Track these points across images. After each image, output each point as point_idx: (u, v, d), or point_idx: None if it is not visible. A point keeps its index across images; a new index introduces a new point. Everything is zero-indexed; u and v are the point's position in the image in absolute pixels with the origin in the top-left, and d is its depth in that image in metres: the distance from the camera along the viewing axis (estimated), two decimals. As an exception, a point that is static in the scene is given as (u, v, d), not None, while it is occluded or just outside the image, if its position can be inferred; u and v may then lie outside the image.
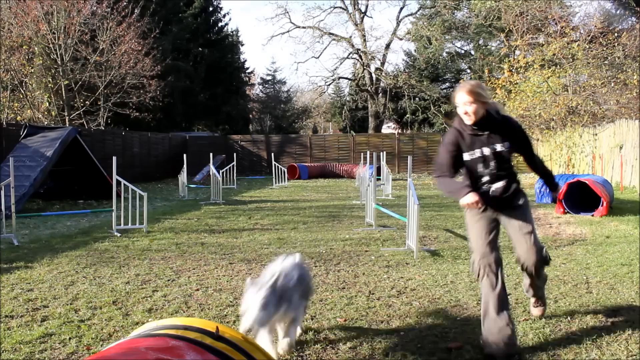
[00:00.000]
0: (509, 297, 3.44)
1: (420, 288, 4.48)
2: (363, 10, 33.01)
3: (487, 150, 3.26)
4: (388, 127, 42.09)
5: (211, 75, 31.23)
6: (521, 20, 21.49)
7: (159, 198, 13.74)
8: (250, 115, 40.39)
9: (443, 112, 31.84)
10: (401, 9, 35.53)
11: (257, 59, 77.26)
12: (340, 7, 33.11)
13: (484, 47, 31.14)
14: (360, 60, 33.01)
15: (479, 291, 4.35)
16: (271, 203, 12.05)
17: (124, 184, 7.76)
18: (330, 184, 19.01)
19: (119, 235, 7.37)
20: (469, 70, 33.53)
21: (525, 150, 3.43)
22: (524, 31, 21.43)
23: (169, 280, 4.82)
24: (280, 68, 71.15)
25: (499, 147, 3.25)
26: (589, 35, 19.58)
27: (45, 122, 17.86)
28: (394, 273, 5.03)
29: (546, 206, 10.59)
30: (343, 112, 37.30)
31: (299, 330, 3.24)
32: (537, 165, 3.54)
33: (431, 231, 7.61)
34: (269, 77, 47.52)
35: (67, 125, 17.47)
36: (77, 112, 19.37)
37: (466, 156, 3.29)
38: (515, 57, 22.40)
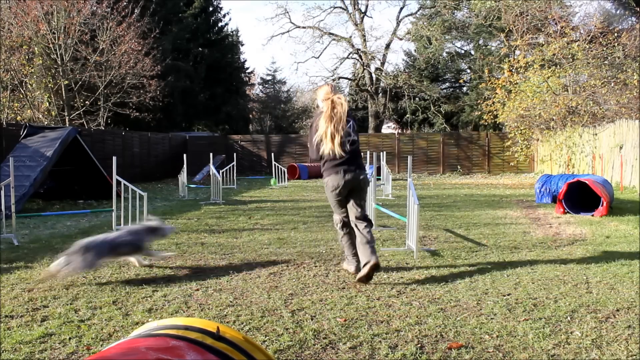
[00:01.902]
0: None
1: (420, 288, 4.48)
2: (363, 10, 33.03)
3: None
4: (388, 127, 42.10)
5: (211, 75, 31.24)
6: (521, 20, 21.50)
7: (159, 198, 13.74)
8: (250, 115, 40.41)
9: (443, 112, 31.87)
10: (401, 9, 35.67)
11: (257, 59, 77.40)
12: (340, 7, 33.13)
13: (484, 47, 31.14)
14: (360, 60, 33.02)
15: (479, 291, 4.37)
16: (271, 203, 12.05)
17: (124, 184, 7.76)
18: (330, 184, 18.97)
19: (119, 235, 7.36)
20: (469, 70, 33.53)
21: None
22: (524, 31, 21.44)
23: (169, 280, 4.82)
24: (280, 68, 71.23)
25: None
26: (589, 35, 19.59)
27: (45, 122, 17.87)
28: (394, 273, 5.03)
29: (546, 206, 10.60)
30: (343, 112, 37.22)
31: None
32: None
33: (431, 231, 7.61)
34: (269, 77, 47.57)
35: (67, 125, 17.48)
36: (77, 112, 19.38)
37: None
38: (515, 57, 22.42)
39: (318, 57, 34.32)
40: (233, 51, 35.13)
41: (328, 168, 4.72)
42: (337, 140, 4.59)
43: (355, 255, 4.75)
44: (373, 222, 7.90)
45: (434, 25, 30.16)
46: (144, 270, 5.18)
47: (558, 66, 20.09)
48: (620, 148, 15.16)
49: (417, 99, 33.40)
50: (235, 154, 20.42)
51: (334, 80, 34.56)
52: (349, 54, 33.15)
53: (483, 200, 12.24)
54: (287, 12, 32.71)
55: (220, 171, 14.40)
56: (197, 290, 4.48)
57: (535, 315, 3.72)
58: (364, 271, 4.48)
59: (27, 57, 17.70)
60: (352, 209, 4.80)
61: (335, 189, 4.71)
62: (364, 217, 4.80)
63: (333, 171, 4.68)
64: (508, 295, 4.24)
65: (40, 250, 6.31)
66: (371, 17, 70.51)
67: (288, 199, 13.20)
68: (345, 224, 4.85)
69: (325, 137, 4.63)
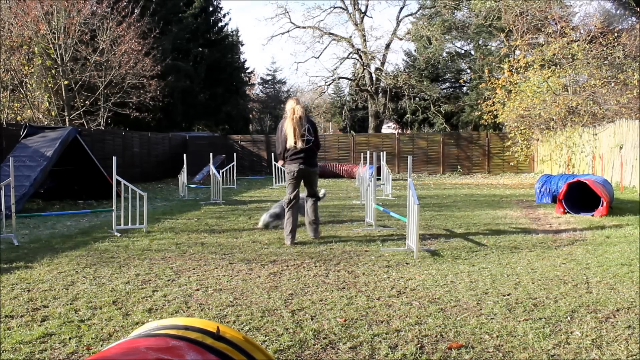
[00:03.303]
0: None
1: (420, 288, 4.48)
2: (363, 10, 33.01)
3: None
4: (388, 127, 42.10)
5: (211, 75, 31.23)
6: (521, 20, 21.49)
7: (159, 198, 13.74)
8: (250, 115, 40.42)
9: (443, 112, 31.85)
10: (401, 9, 35.70)
11: (257, 59, 77.54)
12: (340, 7, 33.11)
13: (484, 47, 31.12)
14: (360, 60, 33.00)
15: (479, 291, 4.37)
16: (271, 203, 12.03)
17: (124, 184, 7.76)
18: (330, 184, 19.01)
19: (119, 235, 7.37)
20: (469, 70, 33.52)
21: None
22: (524, 31, 21.43)
23: (169, 280, 4.82)
24: (280, 68, 71.36)
25: None
26: (589, 35, 19.57)
27: (45, 122, 17.86)
28: (394, 273, 5.03)
29: (546, 206, 10.59)
30: (343, 112, 37.30)
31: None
32: None
33: (431, 231, 7.61)
34: (269, 77, 47.60)
35: (67, 125, 17.47)
36: (77, 112, 19.37)
37: None
38: (515, 57, 22.41)
39: (318, 57, 34.31)
40: (233, 51, 35.13)
41: (289, 159, 6.64)
42: (297, 135, 6.52)
43: (291, 234, 6.55)
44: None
45: (434, 25, 30.14)
46: (143, 270, 5.18)
47: (558, 66, 20.08)
48: (620, 148, 15.16)
49: (417, 99, 33.38)
50: (235, 154, 20.42)
51: (333, 80, 34.65)
52: (349, 54, 33.13)
53: (483, 200, 12.24)
54: (287, 12, 32.68)
55: (220, 171, 14.40)
56: (197, 290, 4.48)
57: (535, 315, 3.72)
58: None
59: (27, 57, 17.69)
60: (307, 189, 6.87)
61: (291, 173, 6.63)
62: (313, 194, 6.87)
63: (292, 161, 6.63)
64: (508, 295, 4.24)
65: (40, 250, 6.31)
66: (371, 17, 70.66)
67: (288, 199, 13.18)
68: (291, 204, 6.65)
69: (288, 134, 6.55)
